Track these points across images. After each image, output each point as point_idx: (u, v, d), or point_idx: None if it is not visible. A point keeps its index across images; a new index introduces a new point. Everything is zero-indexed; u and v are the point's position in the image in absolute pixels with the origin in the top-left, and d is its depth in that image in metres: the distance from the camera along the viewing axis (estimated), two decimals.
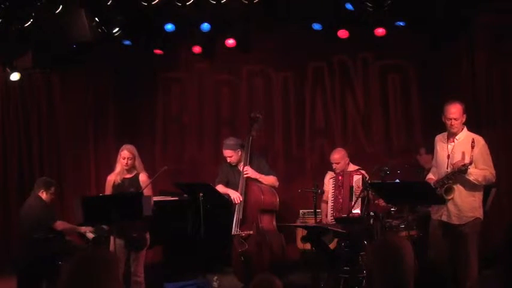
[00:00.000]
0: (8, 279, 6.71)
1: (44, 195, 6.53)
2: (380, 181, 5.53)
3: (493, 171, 5.25)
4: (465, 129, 5.35)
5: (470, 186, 5.20)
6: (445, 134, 5.43)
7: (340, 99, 7.97)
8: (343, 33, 7.50)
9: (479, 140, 5.21)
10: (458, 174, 5.10)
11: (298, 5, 7.25)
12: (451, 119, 5.25)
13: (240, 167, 6.47)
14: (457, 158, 5.19)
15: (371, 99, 7.91)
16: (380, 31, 7.38)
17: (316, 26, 7.52)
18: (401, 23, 7.29)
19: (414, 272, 2.45)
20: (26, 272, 6.32)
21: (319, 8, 7.27)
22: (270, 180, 6.47)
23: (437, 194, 5.08)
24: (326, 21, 7.47)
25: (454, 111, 5.24)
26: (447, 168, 5.26)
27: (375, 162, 6.39)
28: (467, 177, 5.11)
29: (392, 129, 7.85)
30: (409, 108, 7.77)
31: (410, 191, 5.24)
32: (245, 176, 6.31)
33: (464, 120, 5.31)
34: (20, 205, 7.75)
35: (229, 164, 6.59)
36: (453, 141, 5.33)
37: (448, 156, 5.29)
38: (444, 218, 5.30)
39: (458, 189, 5.18)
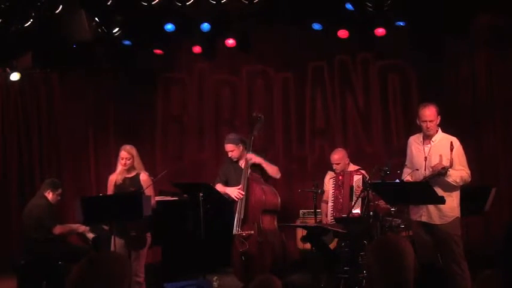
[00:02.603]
0: (8, 279, 6.71)
1: (50, 195, 6.54)
2: (380, 181, 5.53)
3: (469, 171, 5.28)
4: (440, 130, 5.37)
5: (448, 187, 5.22)
6: (420, 135, 5.44)
7: (340, 99, 7.97)
8: (343, 33, 7.50)
9: (456, 141, 5.24)
10: (438, 176, 5.12)
11: (298, 5, 7.25)
12: (426, 122, 5.27)
13: (241, 164, 6.49)
14: (434, 160, 5.21)
15: (371, 99, 7.91)
16: (380, 31, 7.38)
17: (316, 26, 7.52)
18: (401, 23, 7.30)
19: (414, 272, 2.45)
20: (26, 272, 6.32)
21: (319, 8, 7.28)
22: (274, 168, 6.46)
23: (437, 194, 5.08)
24: (326, 21, 7.47)
25: (429, 113, 5.27)
26: (425, 170, 5.28)
27: (375, 162, 6.39)
28: (446, 179, 5.14)
29: (393, 129, 7.84)
30: (409, 108, 7.76)
31: (410, 191, 5.25)
32: (250, 162, 6.31)
33: (439, 121, 5.33)
34: (20, 205, 7.77)
35: (230, 160, 6.60)
36: (429, 143, 5.34)
37: (425, 159, 5.31)
38: (424, 219, 5.34)
39: (437, 191, 5.18)
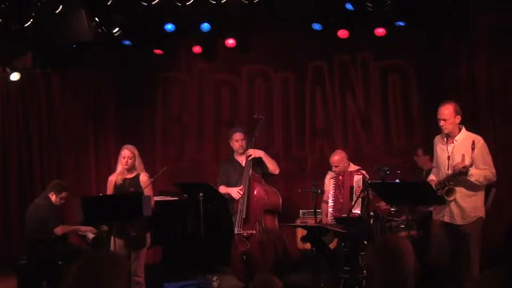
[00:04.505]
0: (8, 279, 6.71)
1: (53, 197, 6.55)
2: (380, 181, 5.52)
3: (494, 170, 5.25)
4: (463, 129, 5.34)
5: (472, 187, 5.20)
6: (444, 134, 5.42)
7: (340, 99, 7.97)
8: (343, 33, 7.50)
9: (479, 140, 5.20)
10: (460, 176, 5.09)
11: (298, 5, 7.24)
12: (440, 120, 5.27)
13: (241, 161, 6.52)
14: (457, 159, 5.18)
15: (371, 100, 7.90)
16: (380, 31, 7.38)
17: (316, 26, 7.52)
18: (401, 23, 7.29)
19: (414, 272, 2.45)
20: (26, 272, 6.33)
21: (319, 8, 7.27)
22: (274, 163, 6.57)
23: (438, 194, 5.08)
24: (326, 21, 7.47)
25: (445, 112, 5.25)
26: (448, 170, 5.25)
27: (374, 162, 6.39)
28: (468, 178, 5.11)
29: (393, 129, 7.84)
30: (409, 108, 7.76)
31: (410, 191, 5.24)
32: (249, 158, 6.35)
33: (458, 121, 5.31)
34: (20, 205, 7.77)
35: (229, 158, 6.63)
36: (452, 143, 5.32)
37: (449, 158, 5.29)
38: (447, 219, 5.30)
39: (460, 190, 5.17)
